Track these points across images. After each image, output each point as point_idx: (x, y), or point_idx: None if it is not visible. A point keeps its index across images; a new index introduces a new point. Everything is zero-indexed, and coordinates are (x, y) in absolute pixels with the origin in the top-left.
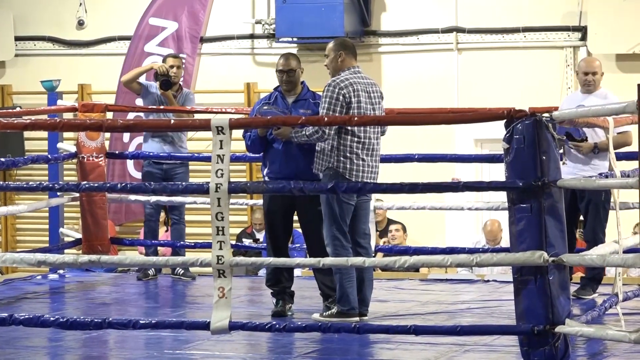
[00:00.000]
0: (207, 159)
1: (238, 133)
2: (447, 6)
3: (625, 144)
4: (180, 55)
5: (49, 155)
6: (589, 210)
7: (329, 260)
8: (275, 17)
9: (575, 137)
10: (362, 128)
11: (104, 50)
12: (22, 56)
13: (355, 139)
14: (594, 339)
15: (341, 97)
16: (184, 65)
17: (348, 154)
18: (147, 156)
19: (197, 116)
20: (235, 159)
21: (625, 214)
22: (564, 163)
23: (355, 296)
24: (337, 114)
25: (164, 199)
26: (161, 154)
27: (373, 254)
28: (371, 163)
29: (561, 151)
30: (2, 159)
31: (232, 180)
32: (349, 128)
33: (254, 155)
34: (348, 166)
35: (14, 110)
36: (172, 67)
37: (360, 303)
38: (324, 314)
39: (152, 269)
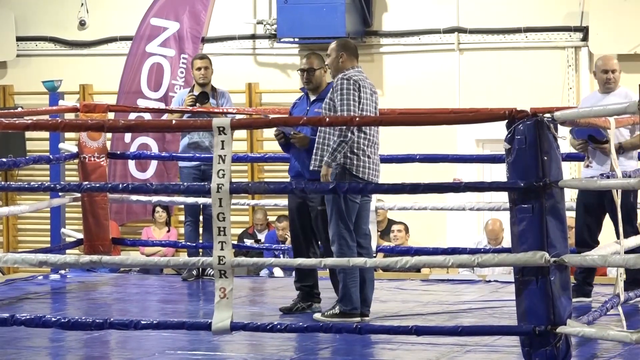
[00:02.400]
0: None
1: (239, 133)
2: (448, 6)
3: None
4: (183, 55)
5: (51, 156)
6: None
7: (330, 261)
8: (277, 17)
9: (598, 138)
10: None
11: (105, 50)
12: (23, 56)
13: (362, 135)
14: (596, 340)
15: (356, 88)
16: (211, 65)
17: (355, 150)
18: (148, 156)
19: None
20: (236, 159)
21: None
22: (588, 165)
23: (358, 296)
24: (355, 104)
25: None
26: (163, 154)
27: (374, 255)
28: (376, 160)
29: (585, 153)
30: (4, 160)
31: (233, 180)
32: None
33: (254, 155)
34: (355, 162)
35: (16, 111)
36: (199, 69)
37: (362, 303)
38: (326, 313)
39: (196, 270)
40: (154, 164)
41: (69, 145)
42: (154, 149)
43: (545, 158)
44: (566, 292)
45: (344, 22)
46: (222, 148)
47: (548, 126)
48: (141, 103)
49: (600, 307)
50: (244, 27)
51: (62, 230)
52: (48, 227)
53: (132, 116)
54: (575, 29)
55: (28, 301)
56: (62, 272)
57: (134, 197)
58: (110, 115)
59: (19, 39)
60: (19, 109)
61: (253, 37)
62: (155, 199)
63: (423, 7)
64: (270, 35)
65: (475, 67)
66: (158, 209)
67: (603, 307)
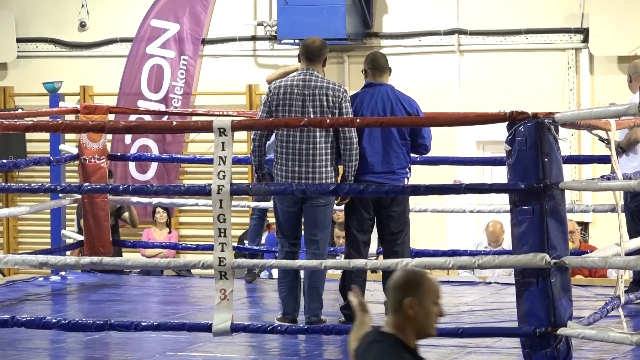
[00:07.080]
0: (209, 161)
1: (240, 135)
2: (448, 8)
3: (636, 141)
4: (183, 57)
5: (51, 157)
6: None
7: (331, 262)
8: (277, 18)
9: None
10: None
11: (105, 52)
12: (24, 58)
13: (277, 142)
14: (596, 341)
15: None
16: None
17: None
18: (148, 158)
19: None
20: (237, 161)
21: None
22: None
23: (287, 301)
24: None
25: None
26: (163, 156)
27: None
28: (284, 161)
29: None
30: (4, 161)
31: (234, 182)
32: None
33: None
34: (273, 170)
35: (16, 112)
36: None
37: (297, 308)
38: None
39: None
40: (154, 165)
41: (69, 147)
42: (155, 150)
43: (546, 160)
44: (567, 293)
45: (344, 23)
46: (223, 149)
47: (549, 128)
48: (141, 104)
49: (600, 308)
50: (244, 28)
51: (63, 231)
52: (48, 228)
53: (133, 118)
54: (576, 31)
55: (28, 303)
56: (63, 273)
57: (134, 199)
58: (111, 117)
59: (19, 40)
60: (20, 110)
61: (253, 38)
62: (155, 200)
63: (423, 9)
64: (270, 36)
65: (475, 68)
66: (159, 209)
67: (603, 308)
